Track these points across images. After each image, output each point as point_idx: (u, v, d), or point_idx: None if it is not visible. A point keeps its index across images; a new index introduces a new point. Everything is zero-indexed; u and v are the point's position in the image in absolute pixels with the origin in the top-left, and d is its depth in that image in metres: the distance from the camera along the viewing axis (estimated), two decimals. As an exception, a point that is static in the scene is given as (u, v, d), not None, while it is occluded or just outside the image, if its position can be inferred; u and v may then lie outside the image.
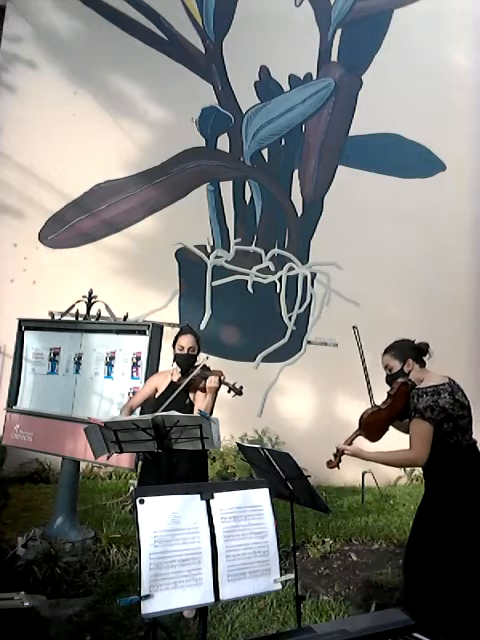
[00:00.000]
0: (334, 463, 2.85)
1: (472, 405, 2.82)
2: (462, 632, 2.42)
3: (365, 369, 3.02)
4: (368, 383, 2.99)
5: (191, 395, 3.46)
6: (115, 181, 7.01)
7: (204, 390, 3.41)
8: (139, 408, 3.65)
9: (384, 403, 2.83)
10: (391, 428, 2.92)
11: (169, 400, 3.31)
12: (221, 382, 3.32)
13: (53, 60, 6.93)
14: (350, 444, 2.84)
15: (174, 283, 7.10)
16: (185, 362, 3.47)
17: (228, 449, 6.16)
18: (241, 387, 3.32)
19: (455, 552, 2.60)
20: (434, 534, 2.68)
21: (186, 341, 3.50)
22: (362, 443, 2.88)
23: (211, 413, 3.33)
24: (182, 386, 3.35)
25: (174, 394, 3.33)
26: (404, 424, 2.85)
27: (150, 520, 1.68)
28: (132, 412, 3.56)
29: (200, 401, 3.42)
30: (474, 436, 2.78)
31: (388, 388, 2.88)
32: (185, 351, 3.48)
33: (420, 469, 2.88)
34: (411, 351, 2.87)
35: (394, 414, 2.82)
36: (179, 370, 3.51)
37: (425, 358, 2.90)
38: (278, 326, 7.31)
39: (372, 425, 2.84)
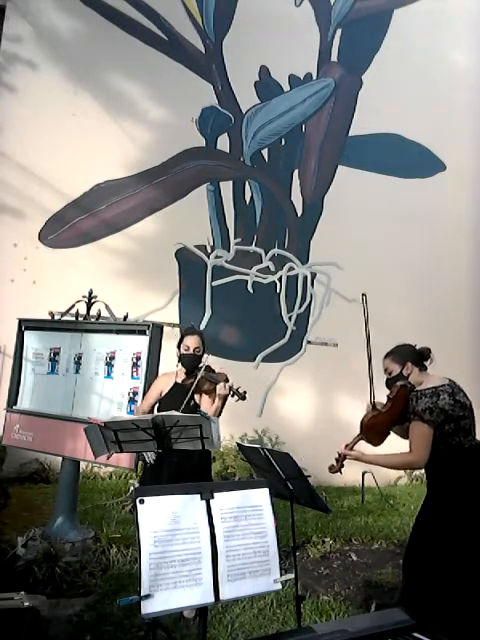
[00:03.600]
0: (336, 468, 2.85)
1: (475, 406, 2.80)
2: (461, 632, 2.42)
3: (368, 338, 2.96)
4: (370, 369, 2.94)
5: (196, 397, 3.46)
6: (115, 181, 7.01)
7: (209, 393, 3.42)
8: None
9: (384, 407, 2.82)
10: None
11: (183, 404, 3.26)
12: (231, 389, 3.31)
13: (53, 60, 6.93)
14: (352, 448, 2.83)
15: (174, 283, 7.10)
16: (191, 363, 3.46)
17: (228, 449, 6.16)
18: (245, 392, 3.32)
19: (456, 553, 2.59)
20: (435, 535, 2.67)
21: (192, 341, 3.50)
22: (364, 447, 2.88)
23: (219, 417, 3.34)
24: (192, 389, 3.32)
25: (187, 397, 3.29)
26: (404, 428, 2.82)
27: (150, 520, 1.68)
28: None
29: (207, 405, 3.42)
30: (479, 437, 2.77)
31: (386, 392, 2.87)
32: (191, 351, 3.47)
33: (420, 470, 2.87)
34: (411, 355, 2.86)
35: (394, 418, 2.80)
36: (184, 371, 3.51)
37: (426, 363, 2.88)
38: (278, 326, 7.31)
39: (372, 429, 2.83)
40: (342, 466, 2.85)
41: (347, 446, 2.84)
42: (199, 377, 3.33)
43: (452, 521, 2.63)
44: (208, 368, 3.44)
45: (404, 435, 2.81)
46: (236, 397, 3.33)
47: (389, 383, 2.87)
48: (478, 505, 2.63)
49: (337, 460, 2.85)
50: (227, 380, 3.36)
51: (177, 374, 3.56)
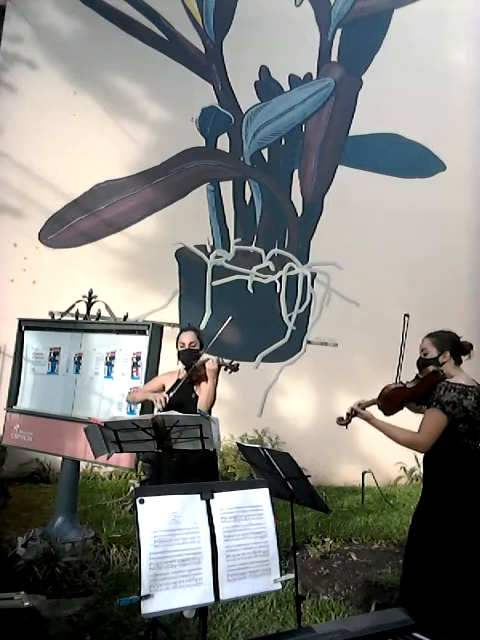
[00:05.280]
0: (344, 421, 2.89)
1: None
2: (459, 632, 2.42)
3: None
4: (401, 353, 2.99)
5: (196, 388, 3.52)
6: (115, 181, 7.01)
7: (205, 378, 3.48)
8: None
9: (410, 383, 2.84)
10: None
11: (173, 392, 3.36)
12: (219, 363, 3.41)
13: (53, 60, 6.93)
14: (364, 409, 2.85)
15: (174, 283, 7.09)
16: (188, 358, 3.54)
17: (228, 449, 6.16)
18: (237, 364, 3.41)
19: (452, 552, 2.60)
20: (431, 533, 2.68)
21: (187, 337, 3.59)
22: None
23: (215, 397, 3.44)
24: (186, 375, 3.43)
25: (178, 387, 3.38)
26: (417, 408, 2.89)
27: (150, 520, 1.68)
28: (144, 397, 3.63)
29: (203, 388, 3.48)
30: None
31: (405, 374, 2.90)
32: (187, 347, 3.56)
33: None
34: (451, 344, 2.87)
35: (415, 397, 2.84)
36: (183, 367, 3.57)
37: (464, 357, 2.89)
38: (278, 326, 7.31)
39: (390, 399, 2.85)
40: (349, 422, 2.88)
41: (360, 405, 2.86)
42: (195, 365, 3.43)
43: (448, 520, 2.64)
44: (207, 360, 3.51)
45: (418, 411, 2.85)
46: (229, 370, 3.40)
47: (421, 364, 2.88)
48: (474, 506, 2.64)
49: (348, 414, 2.88)
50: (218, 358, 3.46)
51: (179, 372, 3.63)
